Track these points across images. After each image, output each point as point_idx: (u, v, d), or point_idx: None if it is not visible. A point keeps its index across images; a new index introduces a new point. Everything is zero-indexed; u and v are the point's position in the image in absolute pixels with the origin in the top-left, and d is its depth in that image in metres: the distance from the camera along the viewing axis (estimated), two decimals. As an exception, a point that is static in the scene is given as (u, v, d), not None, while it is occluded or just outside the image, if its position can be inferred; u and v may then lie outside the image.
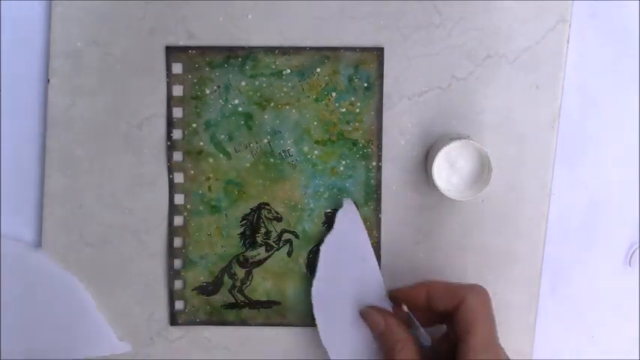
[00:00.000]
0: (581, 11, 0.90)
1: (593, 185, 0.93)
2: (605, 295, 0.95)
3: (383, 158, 0.90)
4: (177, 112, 0.90)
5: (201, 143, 0.90)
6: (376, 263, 0.90)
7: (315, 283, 0.91)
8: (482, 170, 0.85)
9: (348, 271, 0.90)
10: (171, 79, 0.89)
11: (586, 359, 0.95)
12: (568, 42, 0.89)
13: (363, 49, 0.89)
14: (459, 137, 0.86)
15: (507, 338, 0.91)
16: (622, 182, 0.93)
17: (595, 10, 0.90)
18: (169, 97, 0.90)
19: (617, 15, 0.91)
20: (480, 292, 0.82)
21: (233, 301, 0.93)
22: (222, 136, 0.90)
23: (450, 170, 0.86)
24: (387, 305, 0.90)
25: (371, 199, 0.90)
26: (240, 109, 0.90)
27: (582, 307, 0.95)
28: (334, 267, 0.91)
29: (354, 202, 0.90)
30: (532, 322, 0.92)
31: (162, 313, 0.93)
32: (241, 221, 0.92)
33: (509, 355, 0.91)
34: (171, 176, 0.91)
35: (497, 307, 0.91)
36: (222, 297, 0.93)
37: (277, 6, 0.89)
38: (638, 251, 0.93)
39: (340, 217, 0.90)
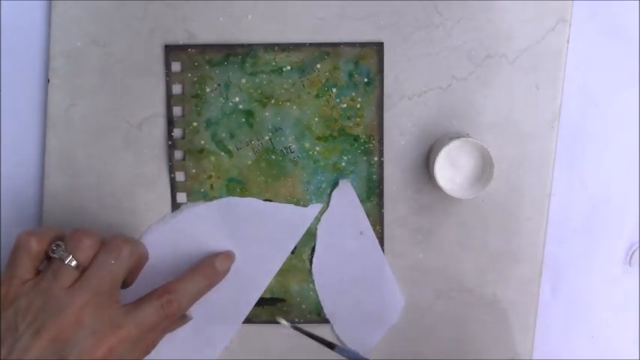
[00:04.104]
0: (581, 11, 0.90)
1: (593, 185, 0.93)
2: (605, 295, 0.95)
3: (383, 157, 0.90)
4: (178, 111, 0.90)
5: (202, 142, 0.90)
6: (374, 235, 0.91)
7: (315, 260, 0.92)
8: (485, 167, 0.85)
9: (347, 245, 0.91)
10: (170, 77, 0.89)
11: (586, 359, 0.95)
12: (568, 42, 0.89)
13: (363, 45, 0.89)
14: (458, 136, 0.86)
15: (507, 338, 0.91)
16: (622, 182, 0.93)
17: (595, 10, 0.91)
18: (169, 96, 0.90)
19: (617, 15, 0.91)
20: None
21: (236, 298, 0.93)
22: (224, 134, 0.90)
23: (452, 169, 0.86)
24: (388, 275, 0.91)
25: (373, 195, 0.90)
26: (240, 106, 0.90)
27: (582, 307, 0.95)
28: (333, 242, 0.91)
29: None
30: (532, 322, 0.92)
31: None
32: (244, 219, 0.92)
33: (510, 355, 0.91)
34: (172, 175, 0.91)
35: (498, 307, 0.91)
36: (225, 295, 0.93)
37: (277, 6, 0.89)
38: (638, 251, 0.94)
39: (336, 196, 0.91)
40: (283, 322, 0.88)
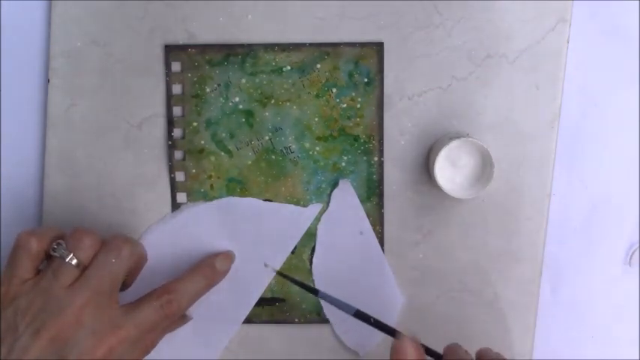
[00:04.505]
0: (581, 11, 0.90)
1: (593, 185, 0.93)
2: (605, 295, 0.95)
3: (383, 157, 0.90)
4: (178, 111, 0.90)
5: (203, 142, 0.90)
6: (374, 235, 0.91)
7: (315, 260, 0.92)
8: (484, 167, 0.85)
9: (347, 245, 0.91)
10: (170, 77, 0.89)
11: (586, 359, 0.95)
12: (568, 42, 0.89)
13: (363, 45, 0.89)
14: (457, 136, 0.86)
15: (507, 338, 0.91)
16: (622, 182, 0.93)
17: (595, 10, 0.90)
18: (169, 96, 0.90)
19: (617, 15, 0.91)
20: None
21: (236, 298, 0.93)
22: (224, 134, 0.90)
23: (452, 169, 0.86)
24: (388, 275, 0.91)
25: (373, 195, 0.90)
26: (240, 106, 0.90)
27: (582, 307, 0.95)
28: (332, 243, 0.92)
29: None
30: (532, 322, 0.92)
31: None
32: (244, 219, 0.92)
33: (510, 355, 0.91)
34: (172, 175, 0.91)
35: (498, 307, 0.91)
36: (225, 295, 0.93)
37: (277, 6, 0.89)
38: (638, 251, 0.93)
39: (336, 195, 0.91)
40: (269, 266, 0.89)
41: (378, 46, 0.89)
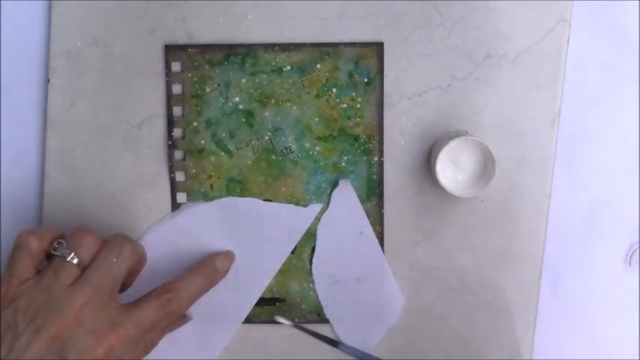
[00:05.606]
0: (581, 11, 0.90)
1: (593, 185, 0.93)
2: (605, 295, 0.94)
3: (383, 157, 0.90)
4: (178, 111, 0.90)
5: (203, 142, 0.90)
6: (374, 235, 0.91)
7: (315, 260, 0.92)
8: (486, 164, 0.85)
9: (347, 245, 0.91)
10: (170, 77, 0.89)
11: (586, 359, 0.95)
12: (568, 42, 0.89)
13: (363, 45, 0.89)
14: (457, 134, 0.86)
15: (507, 338, 0.91)
16: (622, 182, 0.93)
17: (595, 10, 0.90)
18: (169, 96, 0.90)
19: (617, 15, 0.91)
20: None
21: (236, 298, 0.93)
22: (224, 134, 0.90)
23: (454, 168, 0.86)
24: (388, 275, 0.91)
25: (373, 195, 0.90)
26: (240, 106, 0.90)
27: (582, 307, 0.95)
28: (332, 243, 0.91)
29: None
30: (532, 322, 0.92)
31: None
32: (244, 219, 0.92)
33: (510, 355, 0.91)
34: (172, 175, 0.91)
35: (498, 307, 0.91)
36: (225, 295, 0.93)
37: (277, 6, 0.89)
38: (638, 251, 0.93)
39: (336, 196, 0.91)
40: (283, 321, 0.87)
41: (378, 46, 0.89)
